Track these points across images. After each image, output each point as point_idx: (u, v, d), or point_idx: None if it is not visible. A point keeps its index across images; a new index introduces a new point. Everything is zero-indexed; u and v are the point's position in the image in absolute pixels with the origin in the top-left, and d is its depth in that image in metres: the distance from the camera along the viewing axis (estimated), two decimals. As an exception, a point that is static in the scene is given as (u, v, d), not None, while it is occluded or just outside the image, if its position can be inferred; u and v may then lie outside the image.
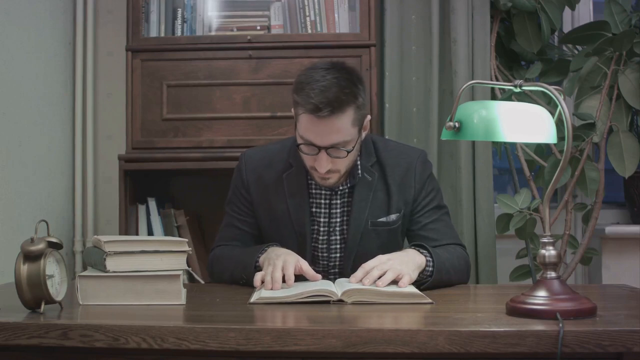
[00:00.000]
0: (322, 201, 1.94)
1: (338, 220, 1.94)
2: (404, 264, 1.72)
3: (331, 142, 1.79)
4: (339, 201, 1.94)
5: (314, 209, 1.95)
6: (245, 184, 1.99)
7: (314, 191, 1.95)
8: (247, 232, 2.00)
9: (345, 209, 1.94)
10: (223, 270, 1.94)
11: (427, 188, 1.97)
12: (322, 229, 1.95)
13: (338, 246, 1.95)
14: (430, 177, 2.00)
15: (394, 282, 1.67)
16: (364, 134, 1.89)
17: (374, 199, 1.93)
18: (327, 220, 1.95)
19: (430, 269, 1.78)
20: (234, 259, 1.91)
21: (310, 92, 1.75)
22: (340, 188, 1.93)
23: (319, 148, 1.79)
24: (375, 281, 1.65)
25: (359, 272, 1.69)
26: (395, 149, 2.02)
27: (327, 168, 1.82)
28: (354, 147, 1.83)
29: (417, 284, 1.72)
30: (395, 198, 1.94)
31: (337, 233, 1.95)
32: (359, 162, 1.93)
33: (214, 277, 2.01)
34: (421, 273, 1.76)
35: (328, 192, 1.94)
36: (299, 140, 1.83)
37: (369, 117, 1.89)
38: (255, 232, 2.00)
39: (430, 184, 1.99)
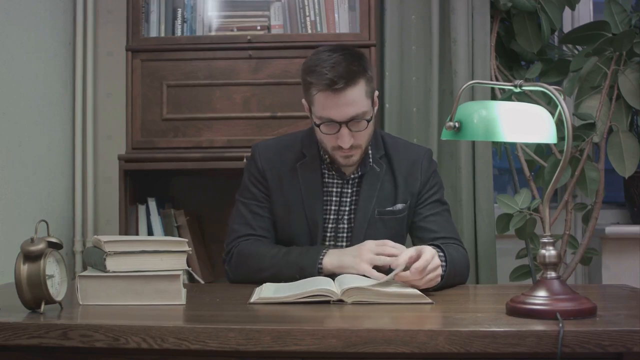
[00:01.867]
0: (334, 189, 1.97)
1: (347, 209, 1.97)
2: (437, 268, 1.72)
3: (350, 115, 1.82)
4: (349, 190, 1.97)
5: (326, 198, 1.97)
6: (260, 170, 2.00)
7: (327, 180, 1.98)
8: (268, 217, 1.99)
9: (354, 197, 1.97)
10: (259, 268, 1.87)
11: (431, 182, 2.02)
12: (332, 217, 1.97)
13: (345, 235, 1.97)
14: (435, 173, 2.04)
15: (395, 282, 1.67)
16: (375, 109, 1.93)
17: (381, 189, 1.97)
18: (337, 208, 1.97)
19: (441, 272, 1.77)
20: (282, 259, 1.85)
21: (322, 69, 1.81)
22: (352, 176, 1.97)
23: (340, 124, 1.83)
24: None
25: (421, 263, 1.66)
26: (402, 144, 2.08)
27: (350, 142, 1.85)
28: (371, 118, 1.87)
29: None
30: (401, 189, 1.98)
31: (345, 222, 1.97)
32: (370, 151, 1.97)
33: (239, 275, 1.92)
34: None
35: (340, 181, 1.97)
36: (318, 121, 1.86)
37: (377, 92, 1.93)
38: (274, 217, 2.00)
39: (434, 178, 2.03)
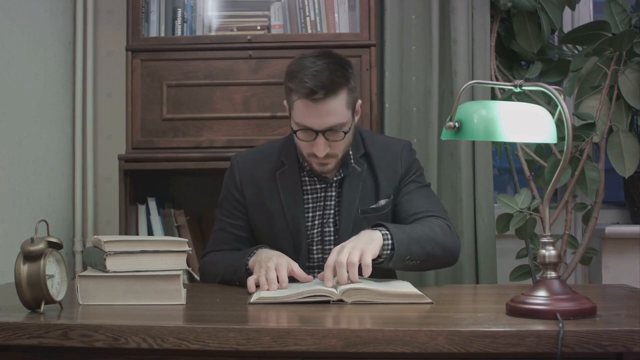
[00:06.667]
0: (317, 195, 1.96)
1: (331, 212, 1.96)
2: (358, 242, 1.68)
3: (327, 125, 1.82)
4: (332, 193, 1.96)
5: (308, 205, 1.96)
6: (238, 185, 2.00)
7: (308, 187, 1.97)
8: (238, 235, 2.00)
9: (338, 199, 1.96)
10: (214, 275, 1.95)
11: (412, 169, 2.01)
12: (316, 222, 1.96)
13: (332, 238, 1.96)
14: (415, 161, 2.04)
15: (390, 280, 1.67)
16: (357, 119, 1.93)
17: (363, 188, 1.96)
18: (321, 213, 1.96)
19: (390, 241, 1.72)
20: (224, 263, 1.92)
21: (303, 77, 1.80)
22: (335, 179, 1.96)
23: (316, 132, 1.82)
24: (348, 278, 1.62)
25: (329, 274, 1.64)
26: (381, 141, 2.07)
27: (326, 152, 1.84)
28: (349, 129, 1.86)
29: (381, 259, 1.71)
30: (383, 185, 1.97)
31: (331, 224, 1.96)
32: (351, 152, 1.96)
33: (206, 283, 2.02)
34: (382, 248, 1.71)
35: (323, 186, 1.96)
36: (295, 127, 1.86)
37: (360, 101, 1.93)
38: (247, 234, 2.01)
39: (414, 165, 2.02)
